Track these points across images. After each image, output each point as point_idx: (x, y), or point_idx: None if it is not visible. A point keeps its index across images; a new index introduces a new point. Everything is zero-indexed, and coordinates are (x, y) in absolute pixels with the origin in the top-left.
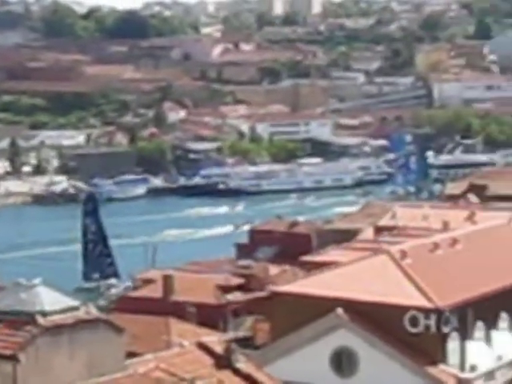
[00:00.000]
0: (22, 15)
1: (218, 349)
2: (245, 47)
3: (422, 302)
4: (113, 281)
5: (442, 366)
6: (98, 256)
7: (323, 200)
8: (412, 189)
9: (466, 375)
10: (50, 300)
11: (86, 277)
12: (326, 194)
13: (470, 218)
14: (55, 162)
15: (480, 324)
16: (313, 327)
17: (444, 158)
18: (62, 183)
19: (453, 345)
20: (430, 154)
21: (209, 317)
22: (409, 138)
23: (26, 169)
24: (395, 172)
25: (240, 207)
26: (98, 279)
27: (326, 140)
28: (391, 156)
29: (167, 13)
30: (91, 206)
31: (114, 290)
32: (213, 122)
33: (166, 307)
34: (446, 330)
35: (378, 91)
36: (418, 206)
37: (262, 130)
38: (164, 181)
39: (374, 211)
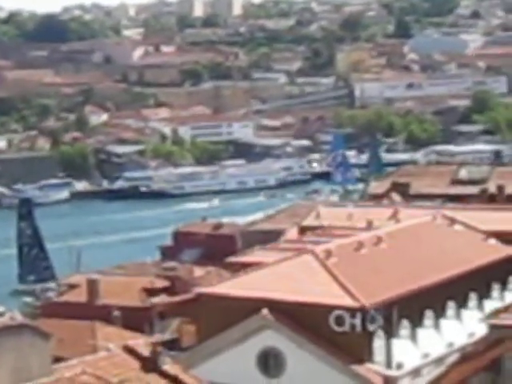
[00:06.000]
0: None
1: (145, 352)
2: (166, 49)
3: (348, 301)
4: (50, 284)
5: (368, 365)
6: (33, 259)
7: (246, 201)
8: (351, 187)
9: (393, 373)
10: None
11: (22, 279)
12: (250, 195)
13: (394, 217)
14: None
15: (405, 322)
16: (239, 328)
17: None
18: None
19: (379, 343)
20: (351, 153)
21: (135, 320)
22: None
23: None
24: (333, 170)
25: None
26: (33, 282)
27: (249, 141)
28: (315, 156)
29: (87, 16)
30: (26, 210)
31: (50, 293)
32: (135, 125)
33: (92, 311)
34: (371, 328)
35: (300, 92)
36: (341, 206)
37: (185, 132)
38: (88, 184)
39: (298, 211)
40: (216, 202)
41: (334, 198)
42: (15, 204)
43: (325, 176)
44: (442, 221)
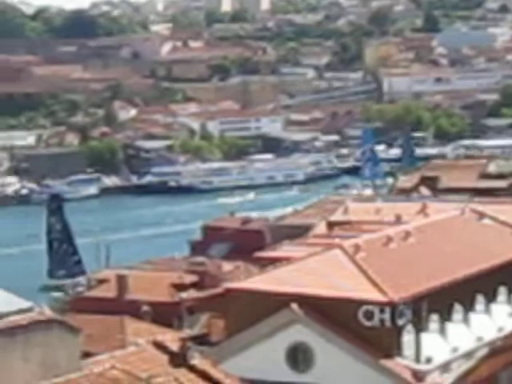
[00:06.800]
0: None
1: (174, 347)
2: (194, 45)
3: (377, 296)
4: (80, 279)
5: (397, 359)
6: (63, 254)
7: (275, 196)
8: (379, 182)
9: (422, 367)
10: (2, 301)
11: (52, 274)
12: (278, 190)
13: (423, 211)
14: (6, 164)
15: (435, 316)
16: (268, 323)
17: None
18: (15, 184)
19: (408, 337)
20: (380, 148)
21: (163, 315)
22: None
23: None
24: (362, 165)
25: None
26: (63, 277)
27: (277, 136)
28: (343, 150)
29: (116, 12)
30: (55, 205)
31: (80, 288)
32: (163, 120)
33: (121, 306)
34: (400, 322)
35: (328, 86)
36: (370, 200)
37: (213, 127)
38: (117, 180)
39: (326, 206)
40: (251, 195)
41: (367, 192)
42: (44, 200)
43: (353, 171)
44: (471, 215)
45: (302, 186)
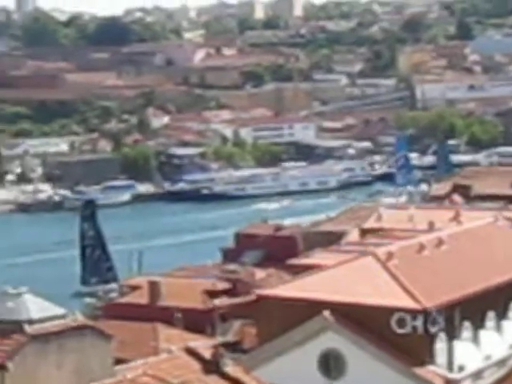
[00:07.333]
0: (3, 24)
1: (206, 354)
2: (227, 52)
3: (409, 303)
4: (112, 285)
5: (430, 367)
6: (96, 260)
7: (308, 203)
8: (412, 188)
9: (454, 375)
10: (36, 308)
11: (84, 281)
12: (311, 197)
13: (456, 219)
14: (39, 170)
15: (467, 324)
16: (300, 330)
17: (428, 159)
18: (47, 191)
19: (440, 345)
20: (413, 155)
21: (196, 322)
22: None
23: (10, 177)
24: (396, 173)
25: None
26: (96, 283)
27: (310, 143)
28: (376, 158)
29: (149, 19)
30: (89, 212)
31: (113, 295)
32: (196, 127)
33: (153, 313)
34: (433, 330)
35: (361, 93)
36: (403, 208)
37: (246, 134)
38: (151, 187)
39: (359, 213)
40: (286, 202)
41: (400, 199)
42: (77, 206)
43: (386, 177)
44: (504, 222)
45: (338, 192)
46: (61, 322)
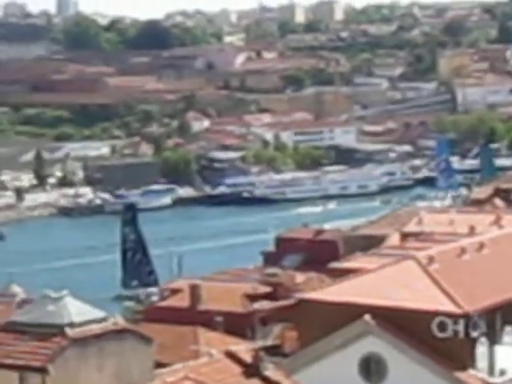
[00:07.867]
0: (44, 28)
1: (247, 357)
2: (267, 55)
3: (450, 307)
4: (153, 289)
5: (471, 371)
6: (137, 264)
7: (348, 207)
8: (454, 193)
9: (495, 380)
10: (77, 311)
11: (125, 284)
12: (352, 201)
13: (497, 222)
14: (80, 174)
15: (509, 328)
16: (341, 334)
17: (469, 163)
18: (88, 194)
19: (481, 349)
20: (454, 159)
21: (237, 325)
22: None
23: (52, 181)
24: (437, 176)
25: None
26: (136, 287)
27: (351, 147)
28: (417, 161)
29: (189, 23)
30: (130, 215)
31: (153, 298)
32: (237, 131)
33: (194, 316)
34: (474, 334)
35: (402, 97)
36: (444, 211)
37: (287, 137)
38: (192, 190)
39: (400, 217)
40: (332, 205)
41: (442, 203)
42: (118, 210)
43: (427, 181)
44: None
45: (382, 197)
46: (101, 325)
